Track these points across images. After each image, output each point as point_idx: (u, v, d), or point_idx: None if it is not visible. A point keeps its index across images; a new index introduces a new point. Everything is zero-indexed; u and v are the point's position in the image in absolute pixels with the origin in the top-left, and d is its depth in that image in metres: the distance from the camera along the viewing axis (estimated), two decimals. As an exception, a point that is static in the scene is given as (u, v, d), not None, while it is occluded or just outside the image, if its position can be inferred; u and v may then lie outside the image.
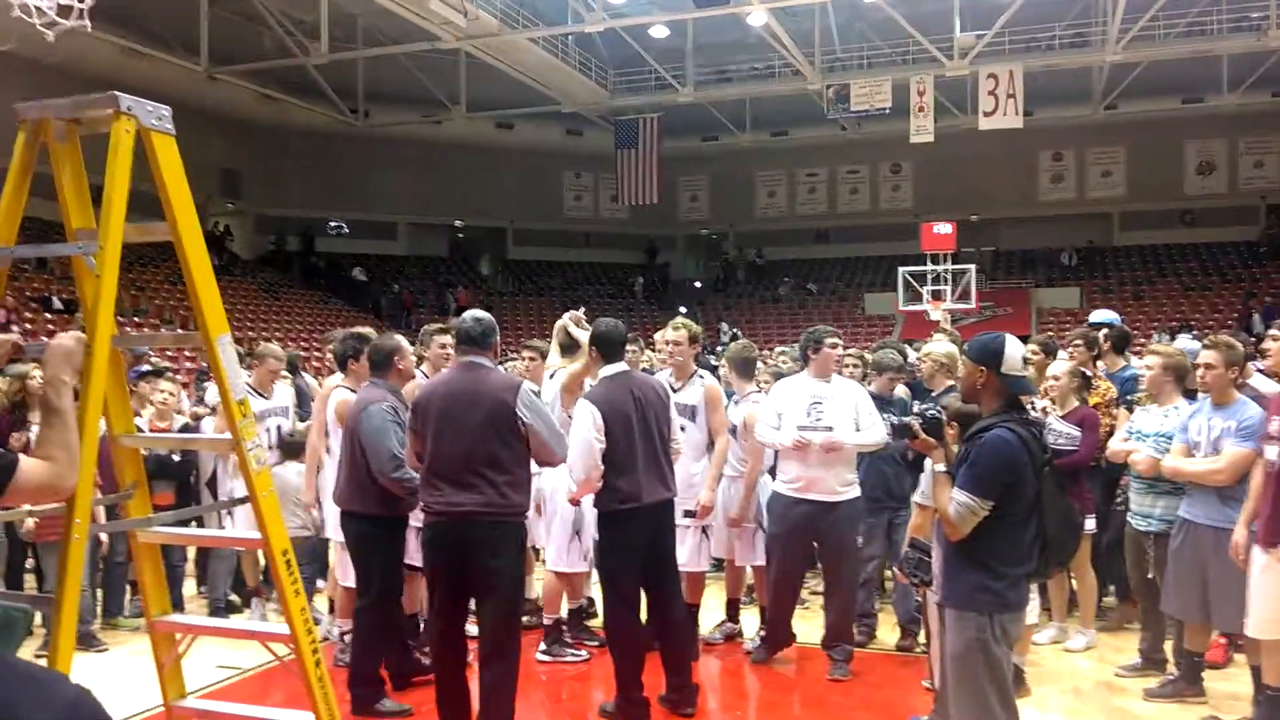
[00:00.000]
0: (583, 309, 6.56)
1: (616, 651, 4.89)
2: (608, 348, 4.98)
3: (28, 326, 18.26)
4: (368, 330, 6.32)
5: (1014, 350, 3.51)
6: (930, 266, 24.53)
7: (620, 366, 4.99)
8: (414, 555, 5.73)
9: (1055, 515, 3.48)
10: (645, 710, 4.82)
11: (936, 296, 24.22)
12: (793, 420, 5.49)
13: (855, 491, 5.61)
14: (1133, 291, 30.18)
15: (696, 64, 27.27)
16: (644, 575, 4.92)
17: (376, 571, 5.10)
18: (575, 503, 5.45)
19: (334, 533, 6.22)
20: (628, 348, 7.70)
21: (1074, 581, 6.26)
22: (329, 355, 6.93)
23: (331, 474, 5.75)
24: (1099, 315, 7.84)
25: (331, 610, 6.34)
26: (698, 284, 37.11)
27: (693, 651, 5.43)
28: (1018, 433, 3.39)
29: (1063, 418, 5.87)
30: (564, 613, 6.14)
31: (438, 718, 4.48)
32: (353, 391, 5.54)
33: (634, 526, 4.80)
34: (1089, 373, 6.33)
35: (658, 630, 5.04)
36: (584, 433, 4.71)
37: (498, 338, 4.57)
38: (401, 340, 5.28)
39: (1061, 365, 6.13)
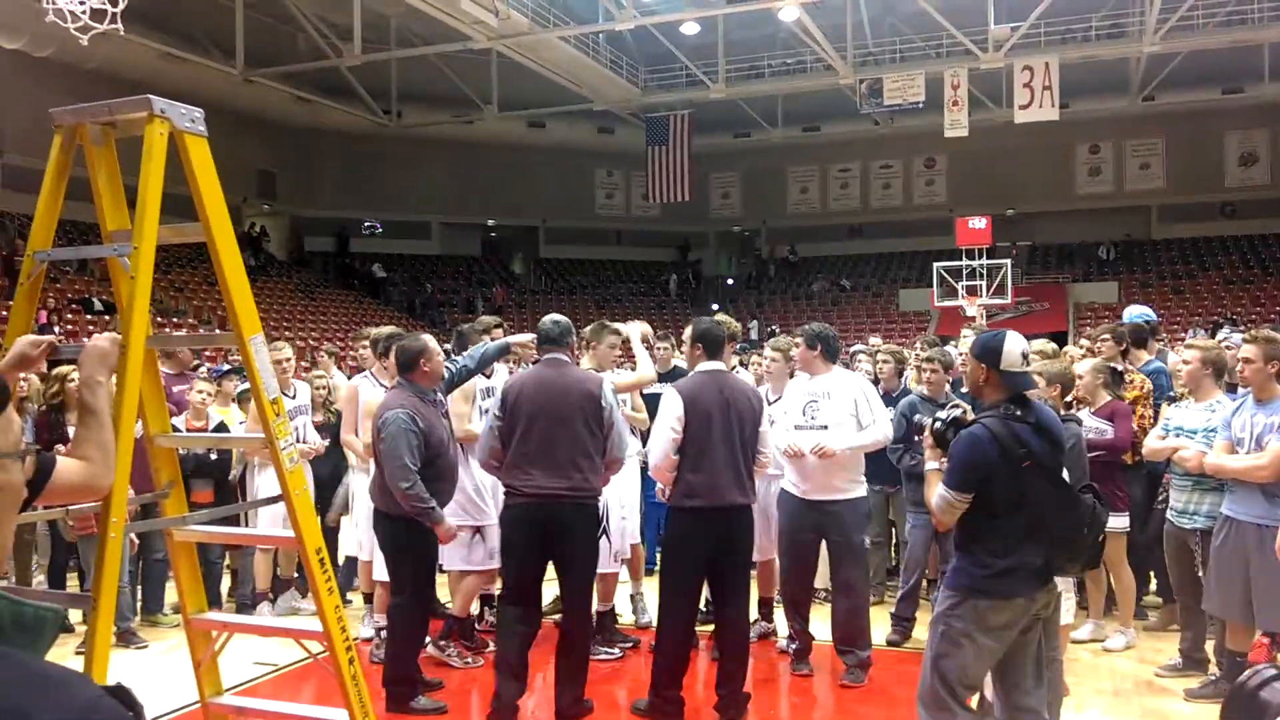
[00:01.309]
0: (652, 328, 6.62)
1: (660, 649, 4.88)
2: (710, 345, 4.97)
3: (69, 328, 18.54)
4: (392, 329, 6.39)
5: (1013, 347, 3.56)
6: (965, 262, 24.32)
7: (717, 365, 4.96)
8: (455, 558, 5.77)
9: (1060, 513, 3.48)
10: (679, 710, 4.81)
11: (972, 292, 24.01)
12: (789, 421, 5.46)
13: (860, 490, 5.53)
14: (1172, 286, 29.75)
15: (728, 60, 27.18)
16: (710, 580, 4.91)
17: (409, 570, 5.13)
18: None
19: (365, 552, 6.31)
20: (661, 345, 7.75)
21: (1112, 580, 6.18)
22: (362, 353, 6.97)
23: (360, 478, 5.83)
24: (1133, 311, 7.76)
25: (368, 601, 6.39)
26: (730, 281, 37.02)
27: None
28: (992, 429, 3.47)
29: (1093, 413, 5.80)
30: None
31: (495, 687, 4.81)
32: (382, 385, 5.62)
33: (699, 526, 4.76)
34: (1119, 367, 6.26)
35: (716, 637, 5.03)
36: (664, 420, 4.79)
37: (574, 338, 5.10)
38: (429, 341, 5.29)
39: (1086, 363, 6.07)
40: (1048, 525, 3.46)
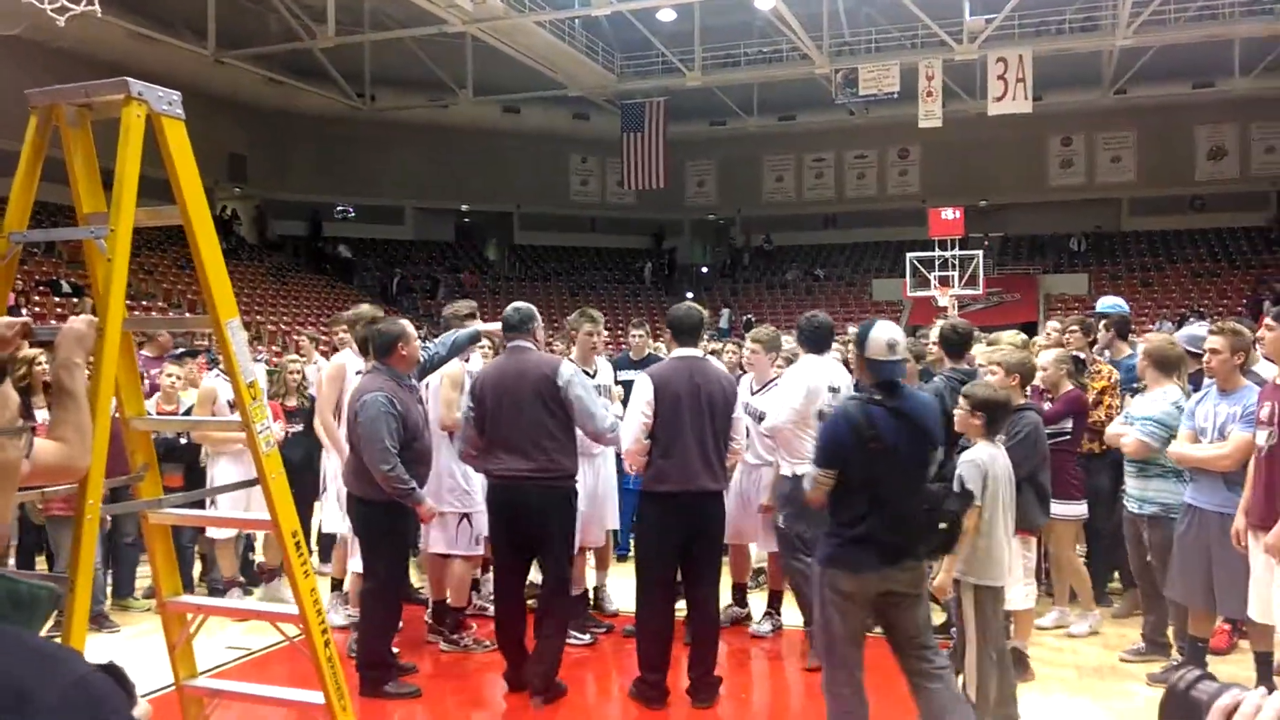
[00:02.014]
0: (627, 317, 6.65)
1: (640, 634, 4.97)
2: (681, 331, 5.03)
3: (37, 310, 18.32)
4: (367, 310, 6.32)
5: (879, 336, 3.77)
6: (938, 252, 24.49)
7: (691, 351, 5.00)
8: (440, 543, 5.78)
9: (903, 495, 3.68)
10: (661, 695, 4.87)
11: (944, 282, 24.19)
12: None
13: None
14: (1141, 278, 30.10)
15: (704, 48, 27.15)
16: (683, 565, 4.97)
17: (384, 555, 5.15)
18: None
19: (332, 524, 6.29)
20: (635, 333, 7.77)
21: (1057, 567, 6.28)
22: (336, 338, 6.93)
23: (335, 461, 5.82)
24: (1105, 302, 7.85)
25: (335, 589, 6.38)
26: (705, 269, 37.07)
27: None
28: (848, 411, 3.77)
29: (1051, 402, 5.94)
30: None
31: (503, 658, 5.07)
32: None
33: (671, 510, 4.82)
34: (1083, 357, 6.35)
35: (688, 621, 5.09)
36: (635, 404, 4.88)
37: (537, 323, 5.19)
38: (407, 325, 5.29)
39: (1049, 353, 6.18)
40: (890, 505, 3.67)
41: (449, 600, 5.91)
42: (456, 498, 5.73)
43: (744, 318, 28.07)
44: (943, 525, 3.68)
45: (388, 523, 5.10)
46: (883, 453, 3.67)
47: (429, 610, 6.15)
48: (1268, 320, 4.47)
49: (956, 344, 5.86)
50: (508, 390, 4.93)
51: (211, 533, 6.79)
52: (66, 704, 0.99)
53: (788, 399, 5.43)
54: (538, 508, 4.90)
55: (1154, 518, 5.33)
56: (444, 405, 5.75)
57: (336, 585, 6.39)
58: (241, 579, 7.09)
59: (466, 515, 5.74)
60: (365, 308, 6.41)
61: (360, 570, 5.50)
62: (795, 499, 5.48)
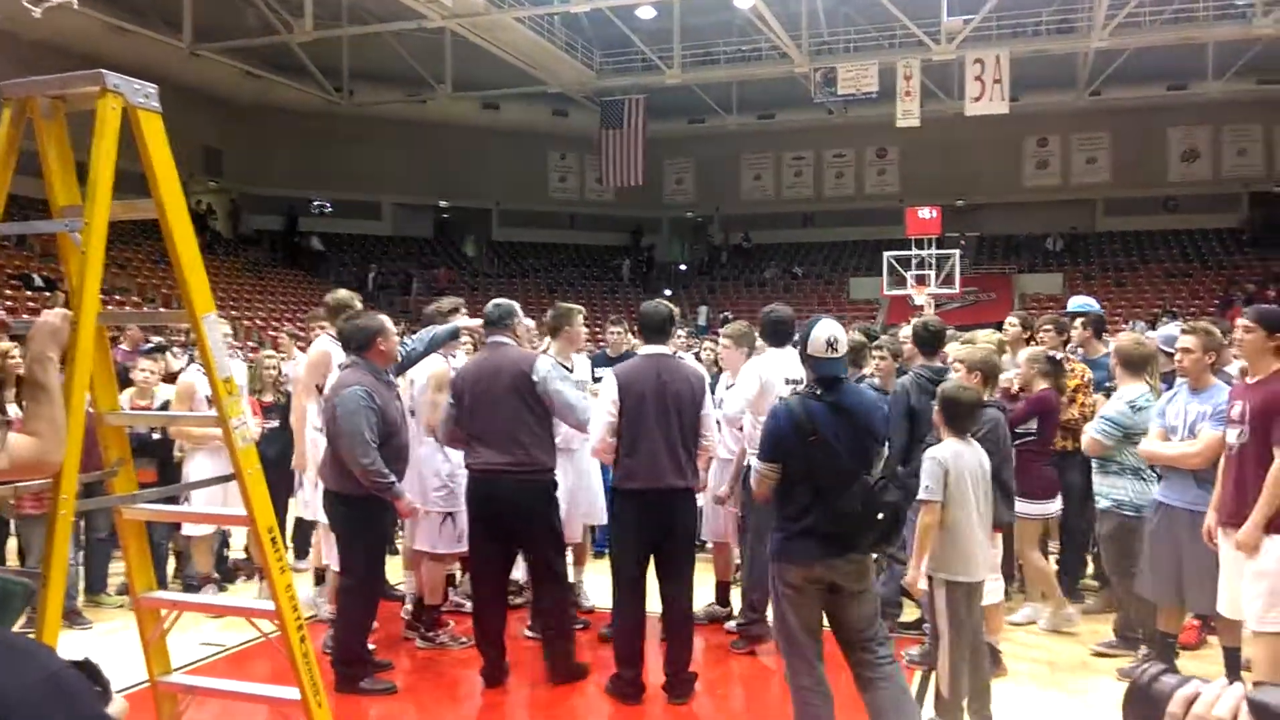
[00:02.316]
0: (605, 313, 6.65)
1: (614, 630, 5.00)
2: (649, 328, 5.05)
3: (9, 304, 18.12)
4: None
5: (819, 334, 3.90)
6: (915, 251, 24.60)
7: (658, 348, 5.00)
8: (424, 540, 5.76)
9: (839, 488, 3.76)
10: (636, 691, 4.88)
11: (921, 281, 24.30)
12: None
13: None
14: (1115, 278, 30.35)
15: (683, 45, 27.16)
16: (656, 562, 4.99)
17: (362, 551, 5.13)
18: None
19: (319, 514, 6.25)
20: (613, 330, 7.78)
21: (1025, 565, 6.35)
22: (313, 333, 6.89)
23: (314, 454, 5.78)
24: (1076, 301, 7.92)
25: (319, 581, 6.36)
26: (683, 267, 37.08)
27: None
28: (789, 406, 3.87)
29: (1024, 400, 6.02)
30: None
31: (480, 655, 5.17)
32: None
33: (638, 507, 4.85)
34: (1058, 355, 6.41)
35: (662, 617, 5.11)
36: (601, 402, 4.93)
37: (518, 319, 5.30)
38: (386, 320, 5.28)
39: (1024, 352, 6.25)
40: (830, 498, 3.75)
41: (425, 597, 5.90)
42: (441, 497, 5.71)
43: (721, 315, 28.09)
44: (880, 517, 3.73)
45: (366, 518, 5.08)
46: (821, 446, 3.77)
47: (404, 608, 6.14)
48: (1244, 322, 4.52)
49: (929, 341, 5.91)
50: (485, 385, 5.00)
51: (188, 529, 6.74)
52: (38, 700, 0.98)
53: (742, 390, 5.51)
54: (515, 501, 4.97)
55: (1105, 511, 5.52)
56: (429, 406, 5.74)
57: (321, 578, 6.36)
58: (216, 575, 7.05)
59: (450, 514, 5.71)
60: (343, 293, 6.37)
61: (425, 547, 5.63)
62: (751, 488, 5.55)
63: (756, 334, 6.23)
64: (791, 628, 3.89)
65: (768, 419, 4.00)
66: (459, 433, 5.12)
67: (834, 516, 3.75)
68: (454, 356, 6.09)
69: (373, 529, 5.17)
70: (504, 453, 4.93)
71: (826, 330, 3.92)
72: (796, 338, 5.89)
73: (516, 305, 5.35)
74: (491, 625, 5.16)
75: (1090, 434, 5.51)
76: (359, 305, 6.28)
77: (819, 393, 3.88)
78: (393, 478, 4.94)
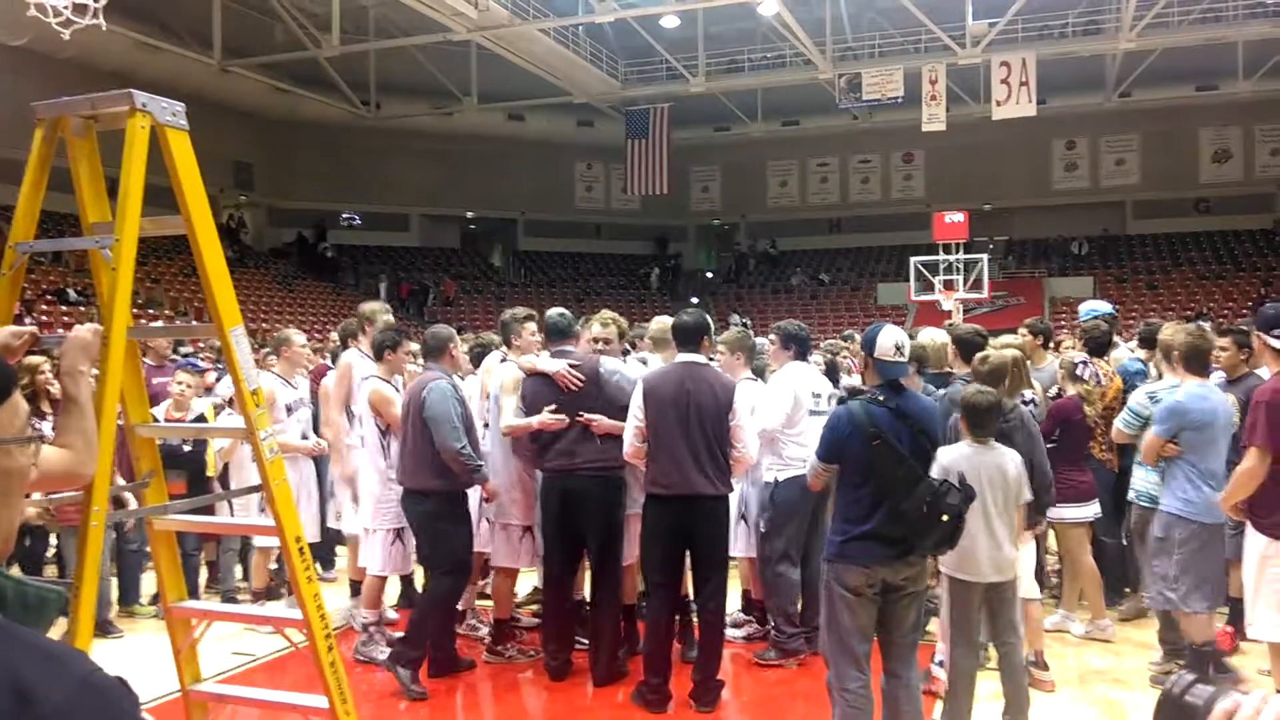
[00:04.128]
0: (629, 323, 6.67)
1: (643, 639, 5.03)
2: (679, 337, 5.11)
3: (43, 318, 18.40)
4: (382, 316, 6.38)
5: (885, 339, 3.94)
6: (943, 256, 24.49)
7: (690, 356, 5.01)
8: (503, 556, 5.75)
9: (902, 491, 3.75)
10: (663, 699, 4.88)
11: (949, 286, 24.19)
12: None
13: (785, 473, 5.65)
14: (1146, 281, 30.06)
15: (707, 54, 27.22)
16: (691, 567, 5.05)
17: (452, 545, 5.30)
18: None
19: (350, 524, 6.30)
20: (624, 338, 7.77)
21: (1068, 570, 6.28)
22: (331, 344, 6.96)
23: (364, 462, 5.82)
24: (1087, 307, 7.75)
25: (356, 592, 6.40)
26: (709, 275, 37.09)
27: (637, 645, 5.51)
28: (851, 410, 3.90)
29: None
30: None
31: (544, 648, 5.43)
32: (386, 381, 5.71)
33: (664, 514, 4.87)
34: (1081, 359, 6.35)
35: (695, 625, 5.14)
36: (630, 410, 4.95)
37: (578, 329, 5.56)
38: (453, 331, 5.57)
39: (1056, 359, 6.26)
40: (891, 501, 3.76)
41: (493, 613, 5.93)
42: (520, 510, 5.68)
43: (743, 320, 28.05)
44: (944, 518, 3.72)
45: (454, 512, 5.30)
46: (884, 449, 3.78)
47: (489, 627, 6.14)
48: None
49: (973, 348, 5.86)
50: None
51: (258, 541, 6.66)
52: (73, 702, 1.01)
53: (778, 403, 5.51)
54: (589, 497, 5.18)
55: (1129, 502, 5.66)
56: (504, 411, 5.63)
57: (356, 590, 6.37)
58: (270, 586, 7.08)
59: (528, 528, 5.68)
60: (376, 304, 6.48)
61: (380, 574, 5.67)
62: (777, 504, 5.54)
63: (754, 341, 6.33)
64: (845, 630, 3.89)
65: (829, 421, 4.05)
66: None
67: (897, 519, 3.77)
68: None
69: (458, 523, 5.36)
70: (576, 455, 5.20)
71: (893, 335, 3.96)
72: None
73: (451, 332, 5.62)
74: (564, 625, 5.44)
75: (1116, 425, 5.62)
76: (389, 317, 6.37)
77: (881, 397, 3.90)
78: (481, 462, 5.20)
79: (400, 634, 5.48)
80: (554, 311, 5.47)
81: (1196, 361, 5.08)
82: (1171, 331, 5.45)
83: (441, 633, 5.43)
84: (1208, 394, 5.08)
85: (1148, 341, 6.78)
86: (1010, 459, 4.33)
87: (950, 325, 8.10)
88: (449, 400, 5.13)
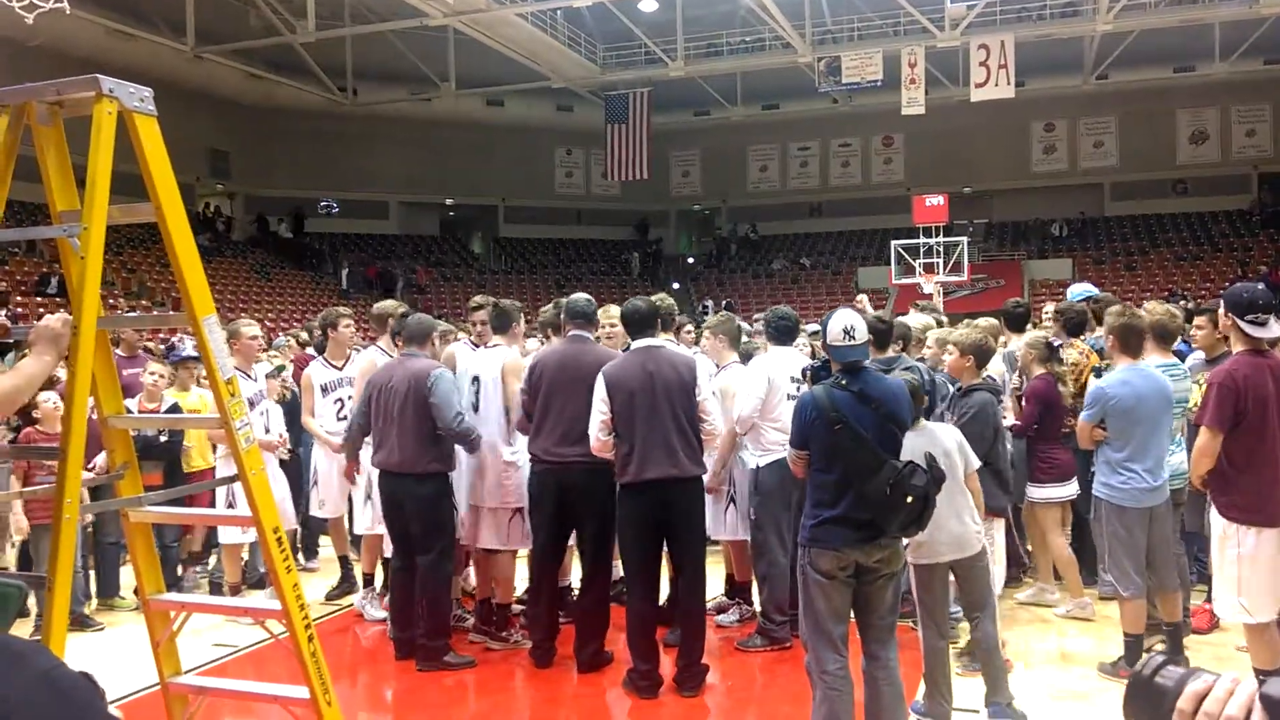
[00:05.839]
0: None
1: (627, 626, 5.00)
2: (633, 324, 5.13)
3: (19, 310, 18.20)
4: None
5: (834, 325, 3.97)
6: (923, 239, 24.55)
7: (648, 341, 5.02)
8: (492, 539, 5.74)
9: (866, 474, 3.76)
10: (653, 685, 4.89)
11: (929, 269, 24.25)
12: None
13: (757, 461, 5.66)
14: (1125, 262, 30.24)
15: (686, 38, 27.13)
16: (668, 552, 5.06)
17: (450, 525, 5.48)
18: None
19: (362, 523, 6.34)
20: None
21: (1038, 548, 6.32)
22: (314, 337, 6.94)
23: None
24: (1077, 289, 7.83)
25: (369, 584, 6.42)
26: (690, 260, 37.06)
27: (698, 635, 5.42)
28: (815, 395, 3.94)
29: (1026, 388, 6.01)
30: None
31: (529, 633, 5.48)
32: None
33: (636, 500, 4.87)
34: (1058, 342, 6.38)
35: (675, 609, 5.14)
36: (594, 402, 4.94)
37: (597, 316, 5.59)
38: (434, 320, 5.77)
39: (1023, 338, 6.25)
40: (858, 483, 3.78)
41: (494, 598, 5.88)
42: (510, 493, 5.67)
43: (723, 303, 28.08)
44: (909, 500, 3.72)
45: (449, 493, 5.51)
46: (847, 433, 3.80)
47: (474, 610, 6.11)
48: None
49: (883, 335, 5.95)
50: (563, 380, 5.18)
51: (223, 536, 6.63)
52: (32, 699, 0.98)
53: (752, 389, 5.49)
54: (582, 487, 5.15)
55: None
56: (510, 396, 5.68)
57: (369, 580, 6.44)
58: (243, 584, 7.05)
59: (519, 510, 5.66)
60: (390, 303, 6.73)
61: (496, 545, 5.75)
62: (761, 490, 5.54)
63: (739, 325, 6.35)
64: (820, 614, 3.91)
65: (795, 409, 4.09)
66: (527, 422, 5.32)
67: (863, 502, 3.78)
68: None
69: (449, 504, 5.53)
70: (577, 445, 5.10)
71: (842, 320, 3.97)
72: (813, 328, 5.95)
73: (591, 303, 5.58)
74: (551, 611, 5.43)
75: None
76: (402, 310, 6.47)
77: (843, 382, 3.91)
78: (478, 431, 5.41)
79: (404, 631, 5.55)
80: (579, 296, 5.50)
81: (1127, 342, 4.98)
82: (1113, 314, 5.37)
83: (446, 611, 5.60)
84: (1132, 377, 4.94)
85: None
86: (946, 435, 4.35)
87: (916, 305, 8.20)
88: (454, 389, 5.39)
